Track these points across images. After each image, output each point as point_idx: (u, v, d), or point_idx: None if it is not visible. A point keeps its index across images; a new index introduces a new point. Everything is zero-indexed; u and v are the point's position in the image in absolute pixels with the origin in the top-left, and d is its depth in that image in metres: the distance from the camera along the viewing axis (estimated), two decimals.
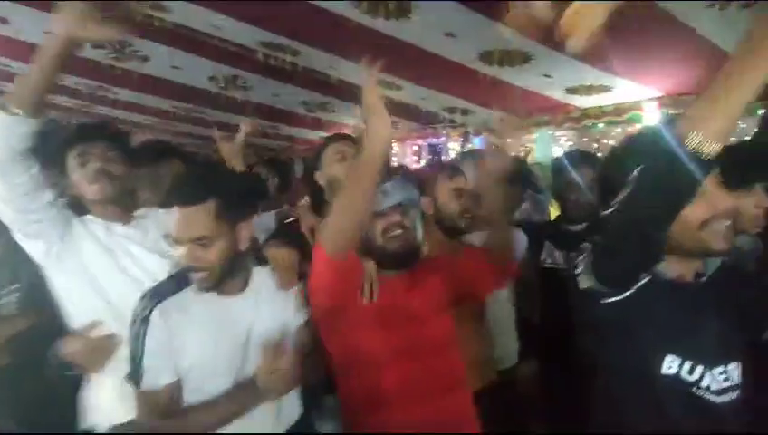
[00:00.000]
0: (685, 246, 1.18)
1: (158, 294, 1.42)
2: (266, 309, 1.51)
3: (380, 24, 3.12)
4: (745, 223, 1.55)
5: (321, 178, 2.02)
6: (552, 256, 2.31)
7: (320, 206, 2.03)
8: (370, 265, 1.48)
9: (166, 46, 3.80)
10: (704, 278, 1.26)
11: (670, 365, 1.15)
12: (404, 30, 3.16)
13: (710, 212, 1.14)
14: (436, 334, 1.50)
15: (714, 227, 1.15)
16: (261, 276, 1.56)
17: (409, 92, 4.41)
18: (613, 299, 1.16)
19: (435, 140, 5.92)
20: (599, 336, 1.27)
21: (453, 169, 2.05)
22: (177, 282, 1.44)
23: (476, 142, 5.19)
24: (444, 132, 5.51)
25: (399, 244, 1.49)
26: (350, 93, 4.45)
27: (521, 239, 2.19)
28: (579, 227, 2.29)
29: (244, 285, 1.52)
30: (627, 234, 1.09)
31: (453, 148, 5.55)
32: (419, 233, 1.55)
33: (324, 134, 5.85)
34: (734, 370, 1.20)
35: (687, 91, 3.74)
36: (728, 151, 0.99)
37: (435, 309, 1.53)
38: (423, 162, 6.08)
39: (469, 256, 1.71)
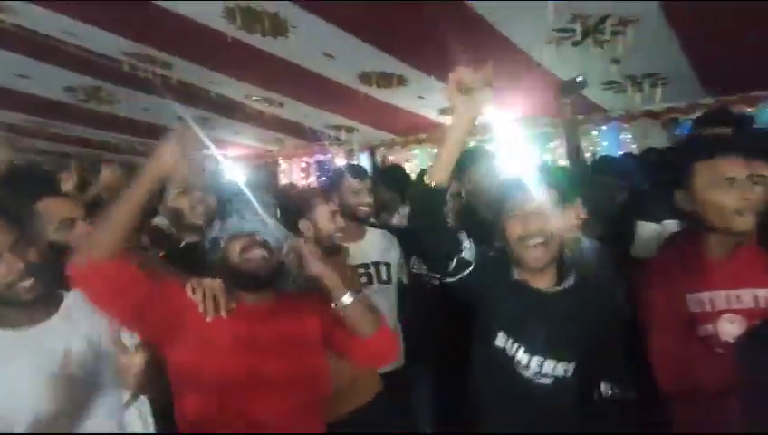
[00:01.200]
0: (514, 257, 1.46)
1: None
2: (84, 329, 1.40)
3: (258, 41, 3.03)
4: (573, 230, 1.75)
5: (164, 212, 1.96)
6: (418, 263, 2.35)
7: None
8: (213, 284, 1.39)
9: (9, 52, 3.35)
10: (558, 288, 1.46)
11: (501, 340, 1.44)
12: (283, 48, 3.11)
13: (521, 230, 1.41)
14: (294, 366, 1.39)
15: (527, 242, 1.41)
16: (72, 298, 1.43)
17: (292, 110, 4.35)
18: (446, 280, 1.50)
19: (322, 158, 5.91)
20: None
21: (327, 193, 2.07)
22: None
23: (362, 159, 5.27)
24: (330, 150, 5.52)
25: (257, 262, 1.39)
26: (229, 108, 4.28)
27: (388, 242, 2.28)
28: None
29: (53, 310, 1.40)
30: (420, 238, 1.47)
31: (339, 164, 5.57)
32: (279, 258, 1.44)
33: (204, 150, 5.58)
34: (563, 367, 1.43)
35: (540, 114, 4.19)
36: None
37: (303, 342, 1.44)
38: (311, 179, 6.05)
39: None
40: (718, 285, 1.36)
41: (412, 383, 2.27)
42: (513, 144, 4.26)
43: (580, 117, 3.85)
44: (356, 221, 2.17)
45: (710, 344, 1.35)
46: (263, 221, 1.42)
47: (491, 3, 2.52)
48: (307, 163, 5.98)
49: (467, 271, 1.45)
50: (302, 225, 1.88)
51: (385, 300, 2.12)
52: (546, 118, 4.26)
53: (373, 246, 2.19)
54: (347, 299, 1.39)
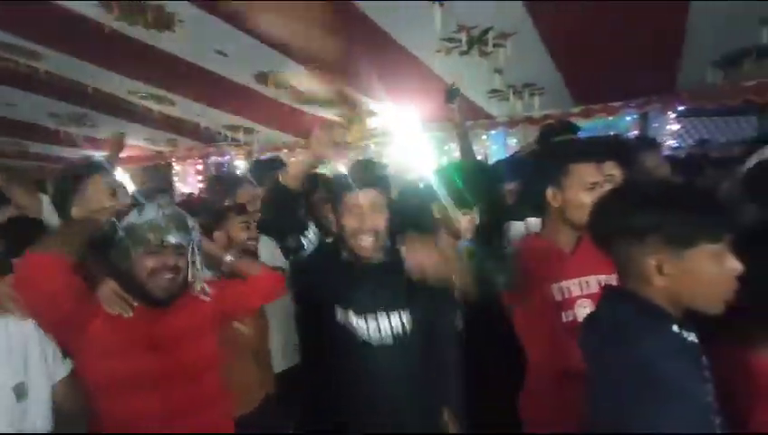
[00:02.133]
0: (347, 246, 1.61)
1: None
2: None
3: (141, 34, 2.84)
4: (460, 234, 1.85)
5: (77, 212, 1.72)
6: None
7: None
8: (110, 286, 1.36)
9: None
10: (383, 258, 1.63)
11: (339, 314, 1.56)
12: (169, 43, 2.95)
13: (357, 224, 1.57)
14: (190, 359, 1.44)
15: (360, 236, 1.56)
16: None
17: (185, 108, 4.14)
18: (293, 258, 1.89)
19: (219, 159, 5.69)
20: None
21: (240, 205, 2.12)
22: None
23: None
24: (228, 151, 5.32)
25: (166, 287, 1.39)
26: (110, 105, 3.97)
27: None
28: None
29: None
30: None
31: (239, 166, 5.40)
32: (189, 273, 1.46)
33: (85, 152, 5.13)
34: (396, 321, 1.56)
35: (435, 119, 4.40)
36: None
37: (194, 334, 1.47)
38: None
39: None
40: (572, 274, 1.54)
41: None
42: (412, 147, 4.42)
43: (469, 122, 4.10)
44: None
45: (572, 329, 1.47)
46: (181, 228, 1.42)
47: (384, 11, 2.59)
48: (204, 165, 5.71)
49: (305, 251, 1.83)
50: (218, 237, 1.92)
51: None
52: (440, 123, 4.45)
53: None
54: (228, 258, 1.69)
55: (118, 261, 1.39)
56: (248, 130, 4.71)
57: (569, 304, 1.53)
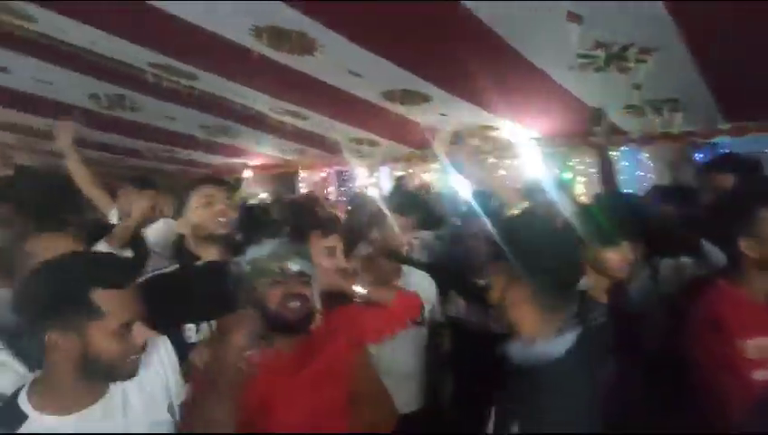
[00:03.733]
0: None
1: None
2: (136, 410, 1.22)
3: (284, 58, 3.10)
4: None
5: (183, 225, 1.77)
6: (457, 307, 2.25)
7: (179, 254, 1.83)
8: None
9: (32, 57, 3.41)
10: None
11: None
12: (309, 65, 3.17)
13: None
14: (330, 404, 1.43)
15: None
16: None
17: (315, 123, 4.42)
18: None
19: (341, 168, 5.99)
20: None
21: (326, 225, 1.98)
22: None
23: (383, 172, 5.34)
24: (351, 161, 5.59)
25: (298, 315, 1.40)
26: (252, 119, 4.36)
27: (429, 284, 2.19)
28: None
29: (98, 394, 1.17)
30: None
31: (360, 176, 5.66)
32: (316, 301, 1.47)
33: (228, 160, 5.69)
34: None
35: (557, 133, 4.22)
36: None
37: (334, 377, 1.46)
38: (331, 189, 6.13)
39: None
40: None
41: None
42: (534, 162, 4.30)
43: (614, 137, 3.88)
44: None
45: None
46: (302, 255, 1.45)
47: (514, 28, 2.56)
48: (327, 173, 6.05)
49: None
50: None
51: (417, 341, 2.11)
52: (564, 138, 4.28)
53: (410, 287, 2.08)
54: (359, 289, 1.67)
55: (246, 298, 1.40)
56: (371, 143, 4.90)
57: (765, 363, 1.37)
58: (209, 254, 1.72)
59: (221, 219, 1.72)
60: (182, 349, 1.38)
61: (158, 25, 2.78)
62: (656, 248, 2.01)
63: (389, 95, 3.54)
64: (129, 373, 1.15)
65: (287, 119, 4.34)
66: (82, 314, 1.06)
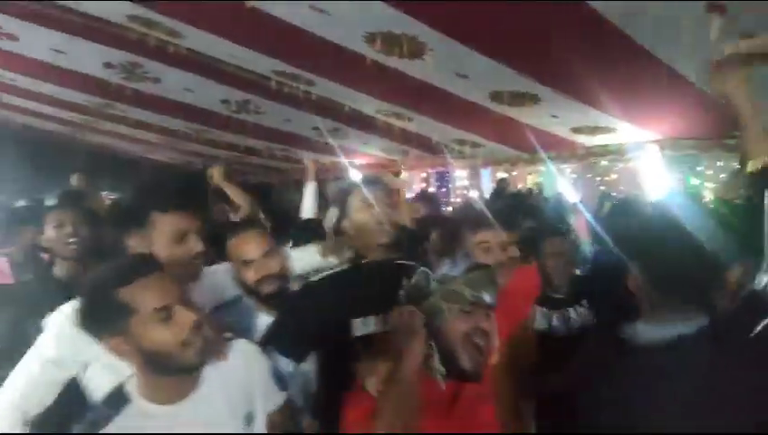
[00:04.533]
0: None
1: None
2: (221, 412, 1.19)
3: (394, 62, 3.17)
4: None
5: (348, 225, 1.69)
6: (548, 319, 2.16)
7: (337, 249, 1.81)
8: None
9: (180, 70, 3.87)
10: None
11: None
12: (417, 68, 3.21)
13: None
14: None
15: None
16: (216, 370, 1.21)
17: (419, 124, 4.47)
18: None
19: (442, 169, 5.99)
20: None
21: (478, 221, 1.78)
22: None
23: (484, 174, 5.24)
24: (451, 162, 5.57)
25: (477, 358, 1.19)
26: (361, 121, 4.52)
27: None
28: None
29: (190, 388, 1.17)
30: None
31: (459, 177, 5.61)
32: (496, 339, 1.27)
33: (335, 158, 5.95)
34: None
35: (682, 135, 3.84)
36: None
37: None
38: (431, 188, 6.16)
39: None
40: None
41: None
42: (657, 165, 3.97)
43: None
44: None
45: None
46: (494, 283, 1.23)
47: (645, 25, 2.38)
48: (428, 174, 6.09)
49: None
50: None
51: None
52: (692, 140, 3.89)
53: None
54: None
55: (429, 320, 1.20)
56: (475, 145, 4.84)
57: None
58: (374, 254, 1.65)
59: (380, 226, 1.63)
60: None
61: (282, 35, 3.00)
62: None
63: (497, 96, 3.47)
64: (198, 360, 1.13)
65: (393, 120, 4.44)
66: (117, 315, 1.07)
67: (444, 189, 6.05)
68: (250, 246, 1.73)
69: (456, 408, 1.22)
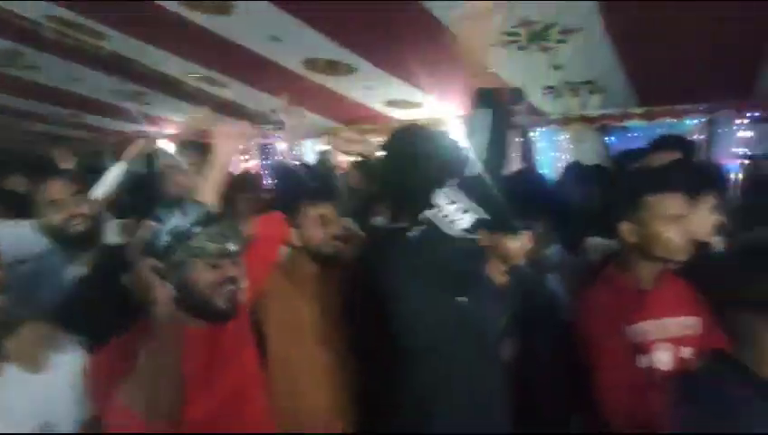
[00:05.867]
0: None
1: None
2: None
3: (199, 18, 2.88)
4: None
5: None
6: None
7: None
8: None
9: None
10: None
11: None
12: (226, 27, 2.97)
13: None
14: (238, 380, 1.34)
15: None
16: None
17: (236, 91, 4.19)
18: None
19: (264, 141, 5.76)
20: None
21: (315, 193, 1.86)
22: None
23: (306, 145, 5.18)
24: (274, 134, 5.37)
25: (229, 302, 1.26)
26: (167, 85, 4.06)
27: None
28: None
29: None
30: None
31: (282, 150, 5.46)
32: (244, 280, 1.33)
33: (138, 127, 5.29)
34: None
35: None
36: None
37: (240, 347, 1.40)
38: (252, 163, 5.89)
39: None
40: (651, 314, 1.40)
41: None
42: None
43: (529, 120, 3.99)
44: None
45: (650, 375, 1.37)
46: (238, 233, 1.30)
47: (444, 3, 2.51)
48: (248, 146, 5.80)
49: None
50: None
51: None
52: None
53: None
54: None
55: (168, 274, 1.24)
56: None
57: (646, 347, 1.39)
58: None
59: None
60: None
61: None
62: (576, 228, 2.03)
63: (311, 64, 3.40)
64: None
65: (205, 86, 4.09)
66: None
67: (268, 162, 5.83)
68: (56, 187, 1.78)
69: (216, 352, 1.29)
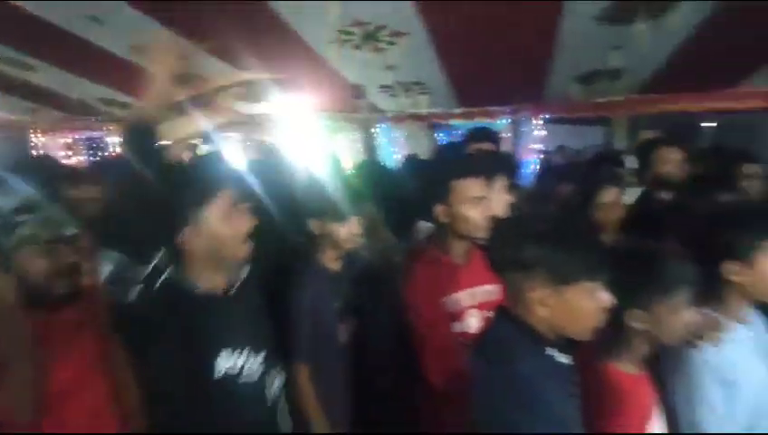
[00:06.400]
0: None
1: None
2: None
3: None
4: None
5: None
6: None
7: None
8: None
9: None
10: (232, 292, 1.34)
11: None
12: (40, 5, 2.63)
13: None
14: None
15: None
16: None
17: (48, 76, 3.71)
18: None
19: (93, 135, 5.19)
20: None
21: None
22: None
23: None
24: (102, 127, 4.87)
25: (67, 289, 1.25)
26: None
27: None
28: None
29: None
30: None
31: (113, 143, 4.99)
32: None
33: None
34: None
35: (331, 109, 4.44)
36: None
37: None
38: (79, 158, 5.26)
39: None
40: (463, 285, 1.59)
41: None
42: (306, 139, 4.39)
43: (371, 116, 4.20)
44: None
45: (463, 339, 1.53)
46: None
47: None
48: (72, 139, 5.16)
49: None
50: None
51: None
52: (337, 114, 4.49)
53: None
54: None
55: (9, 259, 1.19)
56: (125, 105, 4.34)
57: (460, 315, 1.57)
58: None
59: None
60: None
61: None
62: (406, 214, 2.22)
63: (139, 50, 3.18)
64: None
65: (9, 69, 3.55)
66: None
67: (97, 157, 5.25)
68: None
69: (55, 341, 1.25)
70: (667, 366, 1.30)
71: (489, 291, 1.59)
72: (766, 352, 1.31)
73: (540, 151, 4.39)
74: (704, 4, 2.54)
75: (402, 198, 2.44)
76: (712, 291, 1.29)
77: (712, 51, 3.08)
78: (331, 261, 1.81)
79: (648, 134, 4.05)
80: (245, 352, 1.28)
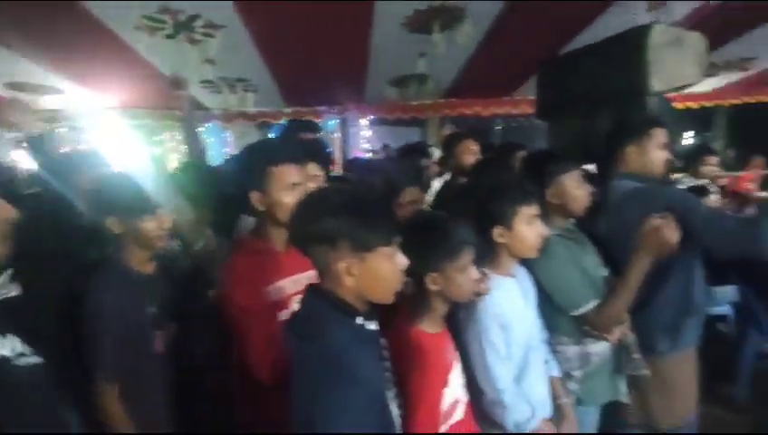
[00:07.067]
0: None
1: None
2: None
3: None
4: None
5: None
6: None
7: None
8: None
9: None
10: None
11: None
12: None
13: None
14: None
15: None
16: None
17: None
18: None
19: None
20: None
21: None
22: None
23: None
24: None
25: None
26: None
27: None
28: None
29: None
30: None
31: None
32: None
33: None
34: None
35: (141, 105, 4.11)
36: None
37: None
38: None
39: None
40: (286, 273, 1.56)
41: None
42: (115, 136, 3.98)
43: (197, 112, 3.96)
44: None
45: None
46: None
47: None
48: None
49: None
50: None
51: None
52: (150, 110, 4.15)
53: None
54: None
55: None
56: None
57: (285, 302, 1.54)
58: None
59: None
60: None
61: None
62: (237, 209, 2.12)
63: None
64: None
65: None
66: None
67: None
68: None
69: None
70: (460, 319, 1.48)
71: (312, 277, 1.60)
72: (529, 297, 1.59)
73: (367, 150, 4.62)
74: (483, 19, 2.94)
75: (227, 196, 2.37)
76: (486, 252, 1.51)
77: (493, 64, 3.59)
78: (140, 263, 1.66)
79: (451, 129, 4.59)
80: None
